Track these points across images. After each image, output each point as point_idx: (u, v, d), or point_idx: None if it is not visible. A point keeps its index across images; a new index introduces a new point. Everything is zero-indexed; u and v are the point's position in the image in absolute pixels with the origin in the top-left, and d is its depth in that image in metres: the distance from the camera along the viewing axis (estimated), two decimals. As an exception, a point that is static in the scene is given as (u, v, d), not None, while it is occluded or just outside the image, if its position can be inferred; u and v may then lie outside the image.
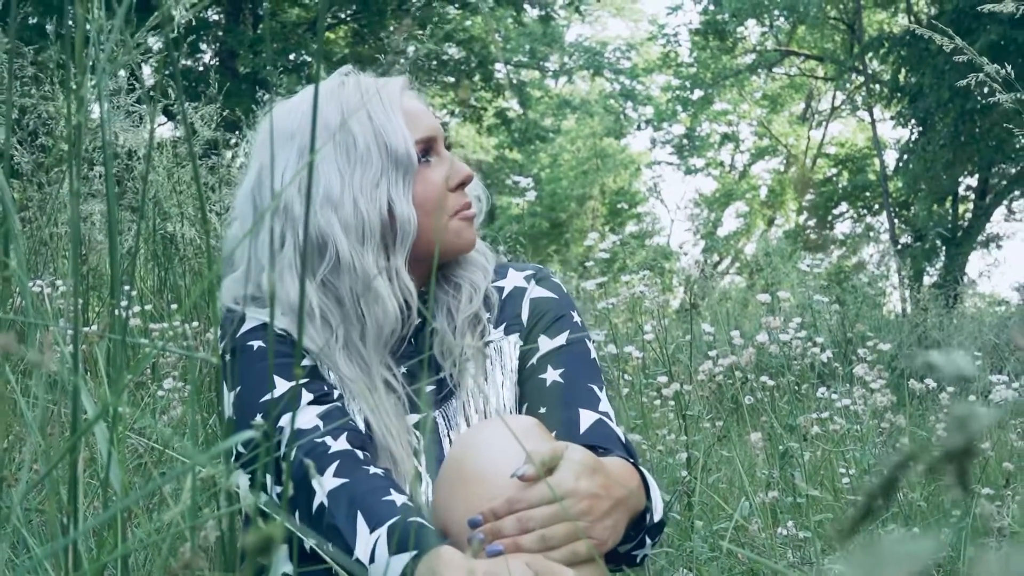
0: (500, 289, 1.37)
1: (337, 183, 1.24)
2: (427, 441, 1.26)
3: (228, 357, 1.26)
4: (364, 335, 1.25)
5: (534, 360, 1.32)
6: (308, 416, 1.19)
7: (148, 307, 3.12)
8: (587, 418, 1.25)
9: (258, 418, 1.19)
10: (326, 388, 1.23)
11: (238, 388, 1.23)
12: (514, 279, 1.39)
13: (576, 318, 1.36)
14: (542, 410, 1.27)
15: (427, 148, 1.30)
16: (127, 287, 1.60)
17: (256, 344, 1.25)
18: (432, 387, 1.31)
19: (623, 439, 1.25)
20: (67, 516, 0.83)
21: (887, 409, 2.60)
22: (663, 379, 2.72)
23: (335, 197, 1.24)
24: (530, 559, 1.00)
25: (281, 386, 1.21)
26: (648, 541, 1.21)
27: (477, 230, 1.35)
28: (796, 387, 2.89)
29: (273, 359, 1.23)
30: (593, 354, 1.34)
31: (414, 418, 1.28)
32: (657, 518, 1.21)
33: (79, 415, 0.81)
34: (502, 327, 1.34)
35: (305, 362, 1.25)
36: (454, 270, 1.35)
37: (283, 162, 1.27)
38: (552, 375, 1.30)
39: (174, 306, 3.29)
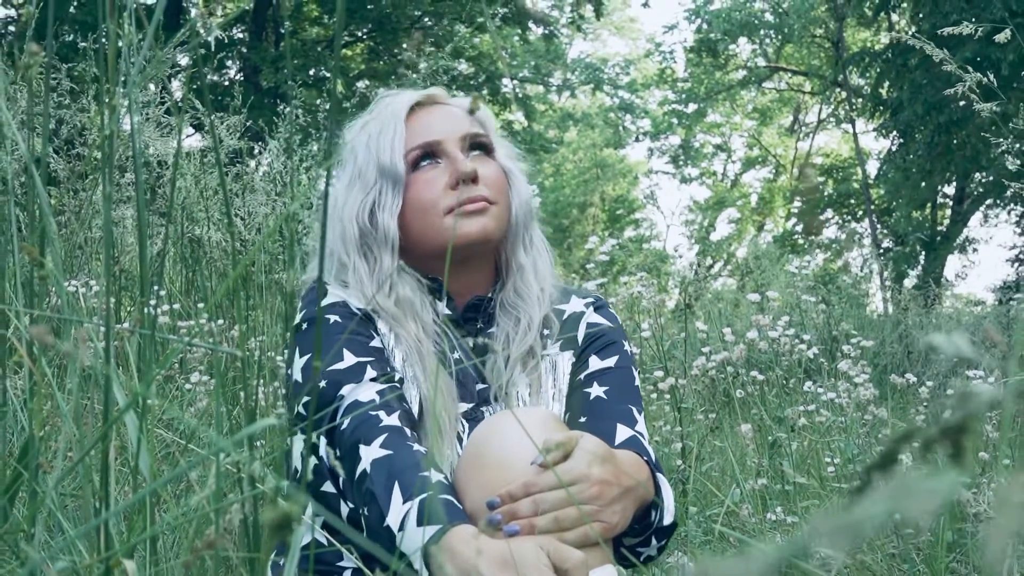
0: (561, 312, 1.39)
1: (341, 198, 1.36)
2: (470, 430, 1.26)
3: (304, 326, 1.29)
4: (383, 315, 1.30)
5: (582, 376, 1.33)
6: (368, 391, 1.20)
7: (176, 306, 3.12)
8: (623, 433, 1.25)
9: (323, 384, 1.20)
10: (389, 370, 1.25)
11: (308, 356, 1.25)
12: (575, 304, 1.41)
13: (626, 347, 1.38)
14: (582, 420, 1.27)
15: (426, 154, 1.33)
16: (156, 287, 1.60)
17: (332, 319, 1.29)
18: (483, 386, 1.32)
19: (653, 456, 1.25)
20: (99, 500, 0.83)
21: (870, 402, 2.59)
22: (660, 374, 2.72)
23: (337, 211, 1.35)
24: (543, 540, 1.00)
25: (348, 359, 1.23)
26: (655, 541, 1.21)
27: (495, 221, 1.32)
28: (784, 381, 2.88)
29: (345, 334, 1.27)
30: (637, 382, 1.35)
31: (463, 407, 1.28)
32: (668, 520, 1.21)
33: (111, 406, 0.81)
34: (558, 343, 1.36)
35: (375, 343, 1.27)
36: (513, 300, 1.36)
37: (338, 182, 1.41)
38: (596, 391, 1.30)
39: (200, 305, 3.29)
